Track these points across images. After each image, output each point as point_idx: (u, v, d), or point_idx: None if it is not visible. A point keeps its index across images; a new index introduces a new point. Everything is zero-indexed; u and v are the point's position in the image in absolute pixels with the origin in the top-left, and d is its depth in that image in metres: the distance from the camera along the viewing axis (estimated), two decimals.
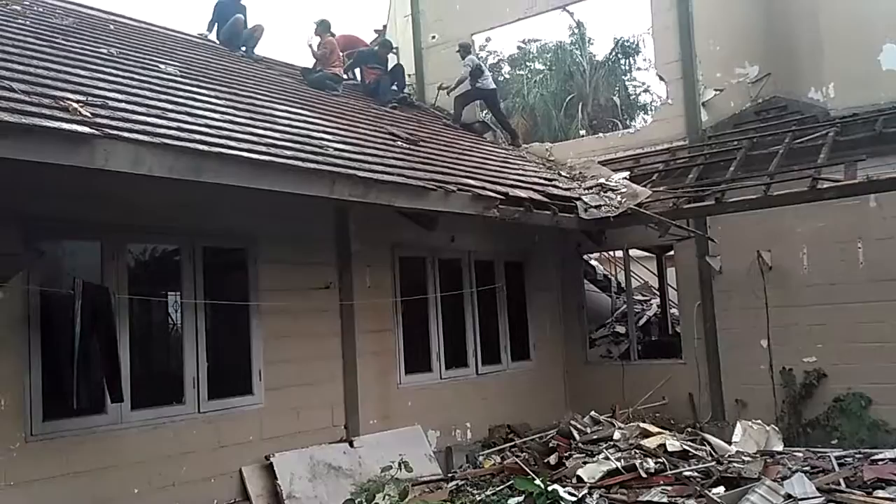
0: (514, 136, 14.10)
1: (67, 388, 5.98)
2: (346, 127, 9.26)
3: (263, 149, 6.59)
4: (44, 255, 6.22)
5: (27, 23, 8.21)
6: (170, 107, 6.76)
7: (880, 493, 7.16)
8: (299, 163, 6.72)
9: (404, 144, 9.60)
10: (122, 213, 6.68)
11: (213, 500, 7.17)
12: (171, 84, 7.80)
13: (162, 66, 8.50)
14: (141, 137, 5.53)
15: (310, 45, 12.44)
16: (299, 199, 6.92)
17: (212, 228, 7.52)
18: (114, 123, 5.54)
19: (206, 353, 7.36)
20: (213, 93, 8.17)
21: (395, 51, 14.44)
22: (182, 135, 5.99)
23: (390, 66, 13.72)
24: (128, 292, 6.73)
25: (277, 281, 8.04)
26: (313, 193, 6.85)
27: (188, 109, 6.95)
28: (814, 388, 9.95)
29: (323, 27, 12.54)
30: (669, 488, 7.62)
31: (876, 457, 8.36)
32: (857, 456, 8.53)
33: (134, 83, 7.17)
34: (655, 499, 7.38)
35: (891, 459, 8.17)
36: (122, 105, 6.18)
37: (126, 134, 5.44)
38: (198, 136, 6.13)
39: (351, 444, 8.42)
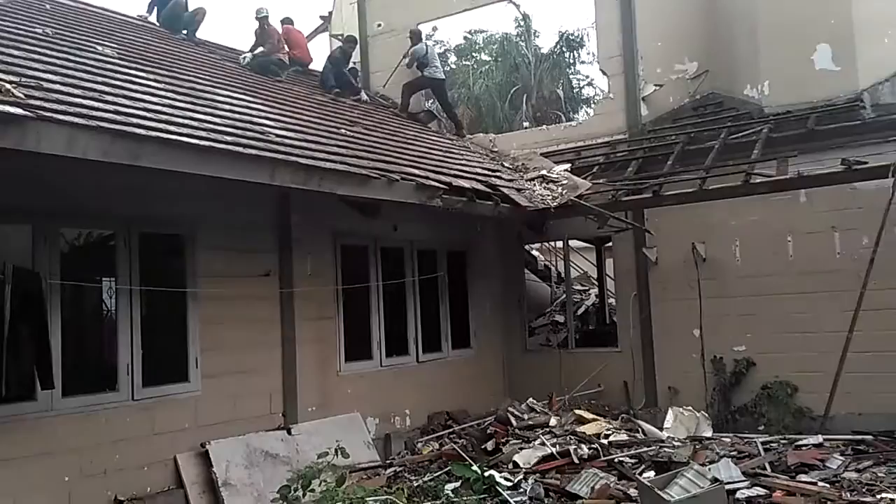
0: (459, 127, 14.16)
1: None
2: (289, 113, 9.21)
3: (204, 134, 6.51)
4: None
5: None
6: (107, 89, 6.63)
7: (803, 477, 7.48)
8: (240, 149, 6.66)
9: (348, 132, 9.57)
10: (55, 197, 6.53)
11: (147, 487, 7.09)
12: (108, 66, 7.66)
13: (99, 48, 8.34)
14: (75, 120, 5.40)
15: (256, 34, 12.27)
16: (240, 186, 6.83)
17: (149, 214, 7.39)
18: (48, 105, 5.41)
19: (142, 340, 7.25)
20: (152, 76, 8.03)
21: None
22: (119, 118, 5.88)
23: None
24: (60, 278, 6.60)
25: (216, 268, 7.95)
26: (254, 180, 6.79)
27: (126, 92, 6.82)
28: (743, 376, 10.28)
29: (262, 16, 12.39)
30: (601, 473, 7.81)
31: (800, 442, 8.68)
32: (783, 441, 8.82)
33: (70, 64, 7.02)
34: (587, 483, 7.54)
35: (814, 445, 8.50)
36: (57, 87, 6.05)
37: (60, 116, 5.32)
38: (135, 120, 6.01)
39: (289, 432, 8.41)
